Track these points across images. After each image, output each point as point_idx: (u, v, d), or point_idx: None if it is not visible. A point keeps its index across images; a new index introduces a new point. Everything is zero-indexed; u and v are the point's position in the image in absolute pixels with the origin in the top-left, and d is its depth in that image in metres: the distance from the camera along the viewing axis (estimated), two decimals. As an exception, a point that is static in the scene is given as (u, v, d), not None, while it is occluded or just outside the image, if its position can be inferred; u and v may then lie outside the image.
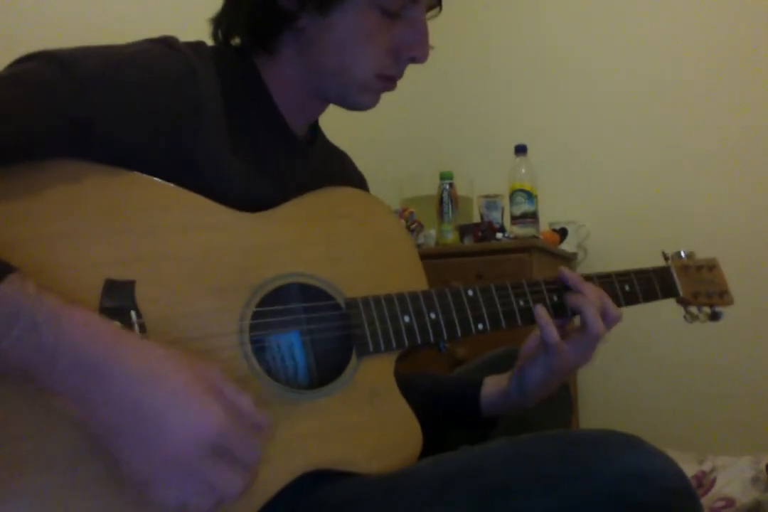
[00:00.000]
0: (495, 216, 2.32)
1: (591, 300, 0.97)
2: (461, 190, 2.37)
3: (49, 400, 0.67)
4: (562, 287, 1.01)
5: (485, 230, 2.19)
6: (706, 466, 1.77)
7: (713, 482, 1.70)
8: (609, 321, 0.98)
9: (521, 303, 0.98)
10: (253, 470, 0.68)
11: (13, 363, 0.63)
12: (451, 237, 2.25)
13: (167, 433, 0.64)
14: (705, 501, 1.63)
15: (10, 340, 0.61)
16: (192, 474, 0.64)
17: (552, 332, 0.95)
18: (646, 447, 0.71)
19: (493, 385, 1.05)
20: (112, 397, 0.64)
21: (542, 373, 0.98)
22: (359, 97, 0.94)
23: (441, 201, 2.26)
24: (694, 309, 1.18)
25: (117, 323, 0.70)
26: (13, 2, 1.64)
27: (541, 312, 0.96)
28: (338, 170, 1.10)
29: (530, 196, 2.24)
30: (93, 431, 0.65)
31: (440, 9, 0.97)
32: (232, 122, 0.88)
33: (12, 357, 0.62)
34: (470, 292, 0.96)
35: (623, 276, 1.08)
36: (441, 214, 2.26)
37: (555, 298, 1.00)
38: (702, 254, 1.22)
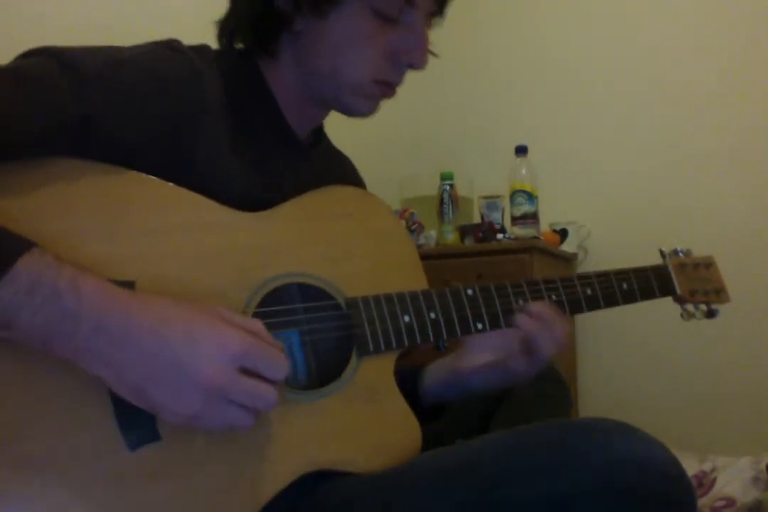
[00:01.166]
0: (495, 216, 2.32)
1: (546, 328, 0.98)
2: (462, 190, 2.38)
3: (55, 401, 0.68)
4: (560, 286, 1.02)
5: (486, 231, 2.19)
6: (707, 466, 1.77)
7: (713, 482, 1.70)
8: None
9: (520, 302, 0.98)
10: (282, 379, 0.72)
11: (35, 332, 0.64)
12: (451, 237, 2.25)
13: (194, 367, 0.67)
14: (705, 500, 1.63)
15: (33, 308, 0.64)
16: (227, 398, 0.68)
17: (521, 361, 0.98)
18: (639, 434, 0.71)
19: (433, 380, 1.07)
20: (135, 354, 0.67)
21: (494, 386, 1.03)
22: (355, 101, 0.93)
23: (441, 201, 2.27)
24: (690, 307, 1.19)
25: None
26: (13, 2, 1.65)
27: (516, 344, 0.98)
28: (339, 173, 1.10)
29: (531, 196, 2.24)
30: (124, 392, 0.68)
31: (443, 18, 0.97)
32: (235, 124, 0.89)
33: (35, 326, 0.64)
34: (470, 292, 0.96)
35: (621, 274, 1.09)
36: (441, 214, 2.27)
37: (554, 297, 1.01)
38: (703, 254, 1.23)
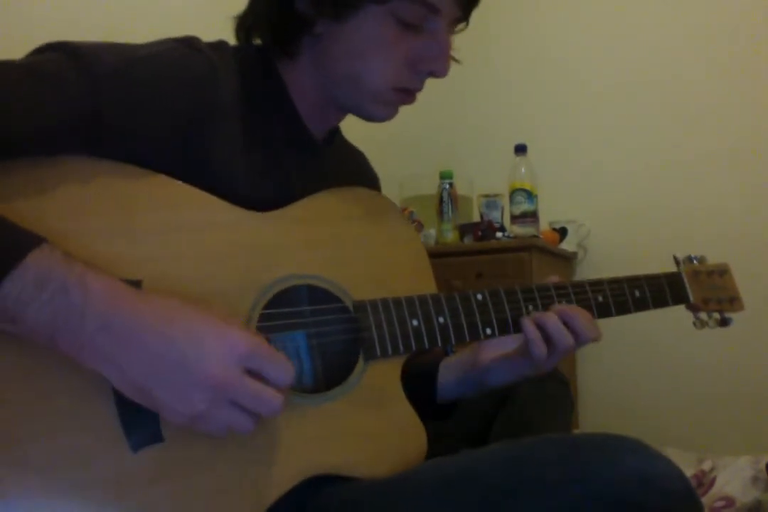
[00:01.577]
0: (495, 215, 2.32)
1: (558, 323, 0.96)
2: (461, 189, 2.38)
3: (57, 399, 0.68)
4: (571, 292, 1.01)
5: (485, 229, 2.19)
6: (706, 466, 1.78)
7: (713, 481, 1.71)
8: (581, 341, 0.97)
9: (530, 308, 0.97)
10: (288, 385, 0.71)
11: (41, 327, 0.64)
12: (450, 236, 2.25)
13: (200, 366, 0.67)
14: (705, 500, 1.63)
15: (40, 303, 0.63)
16: (231, 399, 0.68)
17: (542, 347, 0.95)
18: (647, 451, 0.71)
19: (449, 376, 1.06)
20: (140, 353, 0.66)
21: (511, 378, 1.01)
22: (373, 107, 0.93)
23: (441, 200, 2.26)
24: (703, 315, 1.17)
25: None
26: (13, 2, 1.64)
27: (530, 326, 0.95)
28: (353, 170, 1.10)
29: (530, 195, 2.24)
30: (127, 390, 0.67)
31: (467, 23, 0.96)
32: (250, 124, 0.88)
33: (41, 321, 0.64)
34: (479, 296, 0.95)
35: (634, 281, 1.07)
36: (441, 213, 2.26)
37: (564, 303, 0.99)
38: (702, 253, 1.22)
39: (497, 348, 1.02)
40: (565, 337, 0.94)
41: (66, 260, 0.66)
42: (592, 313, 1.01)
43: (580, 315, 0.96)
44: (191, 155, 0.82)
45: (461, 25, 0.96)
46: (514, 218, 2.25)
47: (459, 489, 0.73)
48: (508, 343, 1.01)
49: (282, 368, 0.70)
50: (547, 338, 0.95)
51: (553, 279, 1.02)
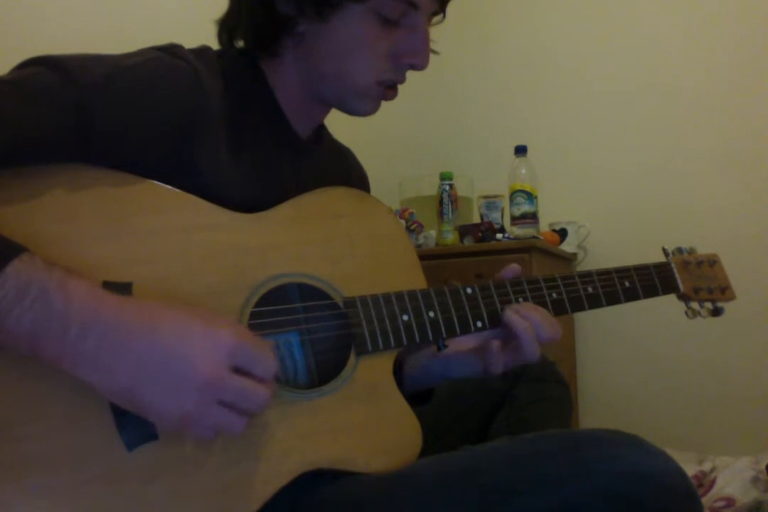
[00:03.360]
0: (495, 216, 2.32)
1: (529, 326, 0.94)
2: (461, 190, 2.38)
3: (51, 400, 0.68)
4: (561, 284, 1.01)
5: (485, 230, 2.19)
6: (706, 466, 1.78)
7: (713, 482, 1.70)
8: (543, 340, 0.95)
9: (520, 300, 0.98)
10: (273, 380, 0.72)
11: (23, 335, 0.64)
12: (450, 237, 2.25)
13: (187, 365, 0.67)
14: (705, 500, 1.63)
15: (21, 310, 0.64)
16: (219, 398, 0.68)
17: (499, 365, 0.95)
18: (646, 447, 0.72)
19: (415, 366, 1.06)
20: (124, 356, 0.66)
21: (468, 373, 1.01)
22: (358, 103, 0.94)
23: (441, 201, 2.26)
24: (695, 305, 1.18)
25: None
26: (13, 2, 1.65)
27: (493, 345, 0.95)
28: (343, 166, 1.11)
29: (530, 196, 2.24)
30: (113, 395, 0.67)
31: (444, 16, 0.97)
32: (237, 128, 0.89)
33: (23, 328, 0.64)
34: (469, 290, 0.96)
35: (623, 272, 1.08)
36: (441, 214, 2.26)
37: (554, 295, 1.01)
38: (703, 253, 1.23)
39: (459, 342, 1.02)
40: (533, 348, 0.93)
41: (46, 267, 0.66)
42: (582, 305, 1.02)
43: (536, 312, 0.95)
44: (180, 161, 0.82)
45: (438, 18, 0.97)
46: (514, 219, 2.25)
47: (459, 485, 0.74)
48: (471, 339, 1.01)
49: (265, 360, 0.71)
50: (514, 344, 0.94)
51: (513, 267, 1.02)
